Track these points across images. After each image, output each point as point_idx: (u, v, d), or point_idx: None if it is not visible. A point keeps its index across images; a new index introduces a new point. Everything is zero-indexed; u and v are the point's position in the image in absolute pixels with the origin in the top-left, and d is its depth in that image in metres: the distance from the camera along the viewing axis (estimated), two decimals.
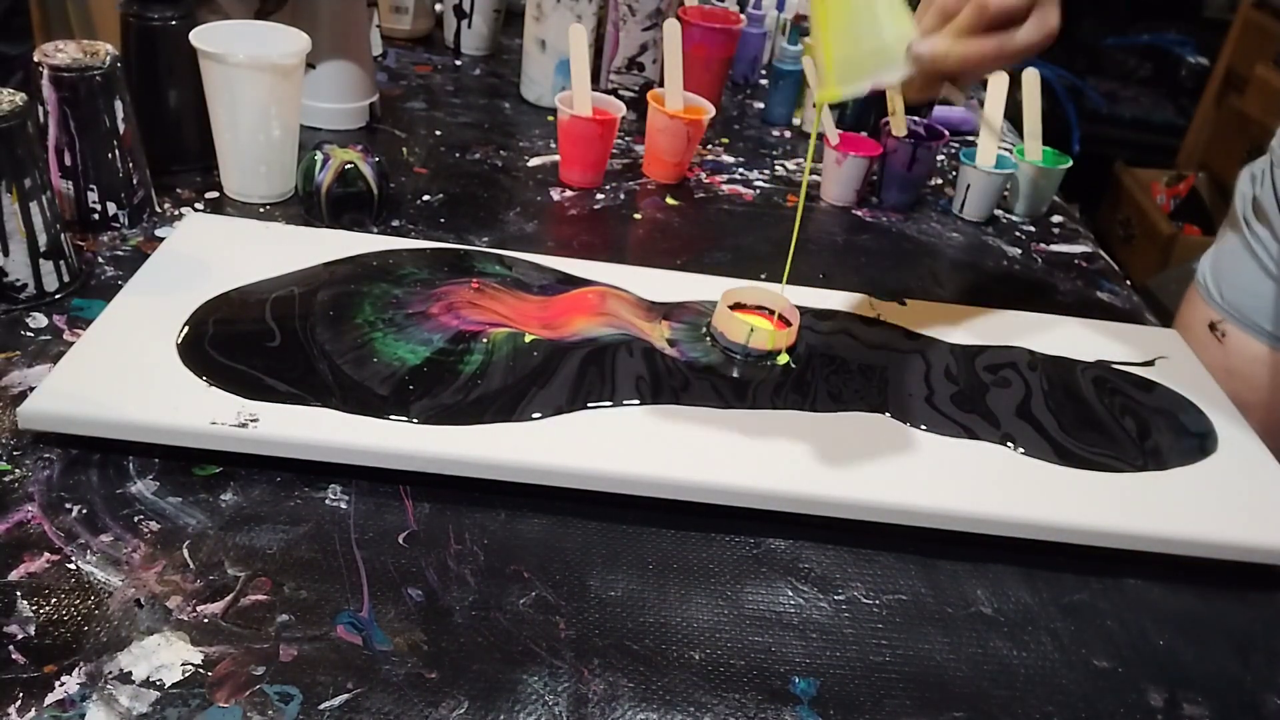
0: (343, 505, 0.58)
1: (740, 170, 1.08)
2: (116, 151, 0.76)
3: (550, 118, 1.12)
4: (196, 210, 0.84)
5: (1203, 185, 2.48)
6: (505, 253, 0.80)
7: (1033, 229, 1.06)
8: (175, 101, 0.86)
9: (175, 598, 0.50)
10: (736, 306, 0.75)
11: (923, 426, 0.68)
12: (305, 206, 0.85)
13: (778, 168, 1.10)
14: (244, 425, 0.58)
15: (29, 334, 0.67)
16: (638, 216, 0.96)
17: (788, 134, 1.20)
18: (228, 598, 0.51)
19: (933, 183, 1.12)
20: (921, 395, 0.71)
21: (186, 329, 0.65)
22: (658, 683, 0.51)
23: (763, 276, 0.83)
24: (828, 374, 0.71)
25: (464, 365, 0.66)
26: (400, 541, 0.56)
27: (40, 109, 0.72)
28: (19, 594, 0.49)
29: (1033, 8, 0.59)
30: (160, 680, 0.46)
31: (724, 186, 1.04)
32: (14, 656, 0.46)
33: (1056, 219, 1.09)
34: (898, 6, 0.61)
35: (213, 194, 0.87)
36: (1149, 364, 0.80)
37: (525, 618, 0.53)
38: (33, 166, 0.66)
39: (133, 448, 0.58)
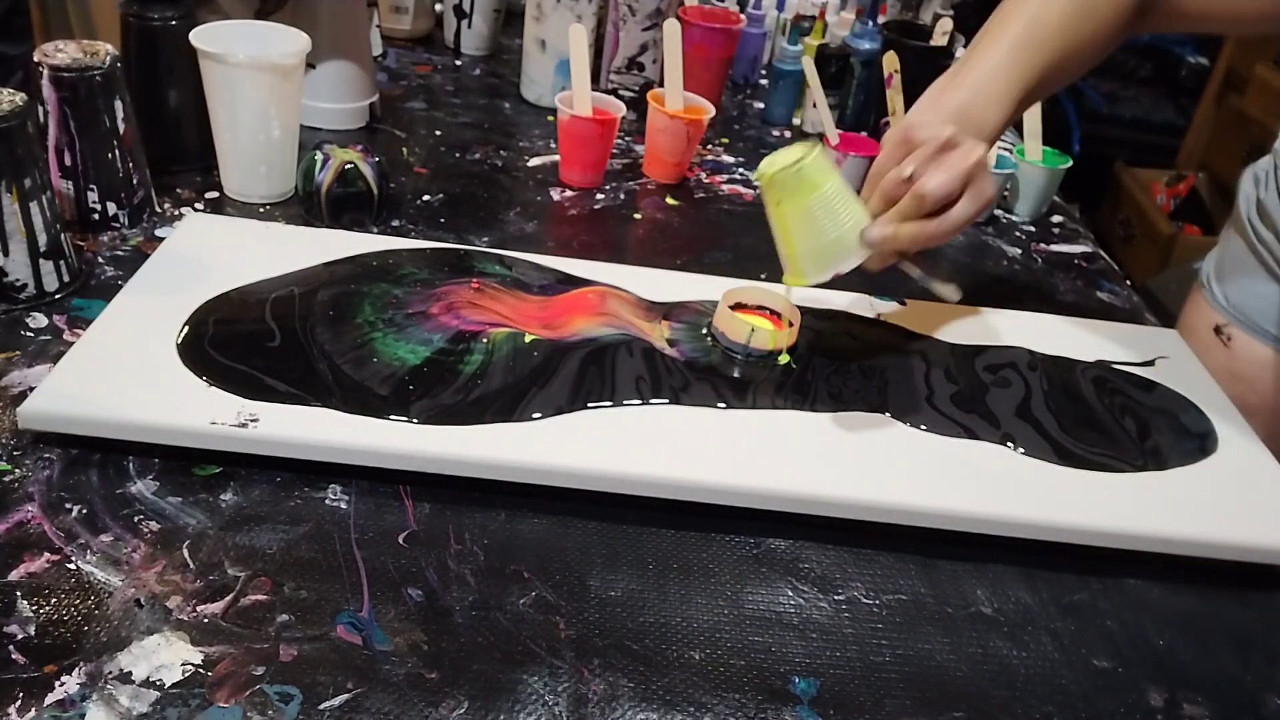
0: (343, 505, 0.58)
1: (740, 170, 1.08)
2: (116, 151, 0.76)
3: (550, 118, 1.12)
4: (196, 210, 0.84)
5: (1203, 185, 2.48)
6: (505, 253, 0.80)
7: (1033, 229, 1.06)
8: (175, 101, 0.86)
9: (175, 598, 0.50)
10: (737, 307, 0.75)
11: (923, 426, 0.68)
12: (305, 206, 0.85)
13: None
14: (244, 425, 0.58)
15: (29, 334, 0.67)
16: (638, 216, 0.96)
17: (788, 134, 1.20)
18: (228, 598, 0.51)
19: None
20: (921, 395, 0.71)
21: (186, 329, 0.65)
22: (658, 683, 0.51)
23: (763, 276, 0.83)
24: (828, 374, 0.71)
25: (464, 365, 0.66)
26: (400, 541, 0.56)
27: (40, 109, 0.72)
28: (19, 594, 0.49)
29: (968, 184, 0.64)
30: (160, 680, 0.46)
31: (724, 186, 1.04)
32: (14, 656, 0.47)
33: (1056, 219, 1.09)
34: (850, 196, 0.67)
35: (213, 194, 0.87)
36: (1149, 364, 0.80)
37: (525, 618, 0.53)
38: (33, 166, 0.66)
39: (133, 448, 0.58)
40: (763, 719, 0.50)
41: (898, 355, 0.75)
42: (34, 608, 0.49)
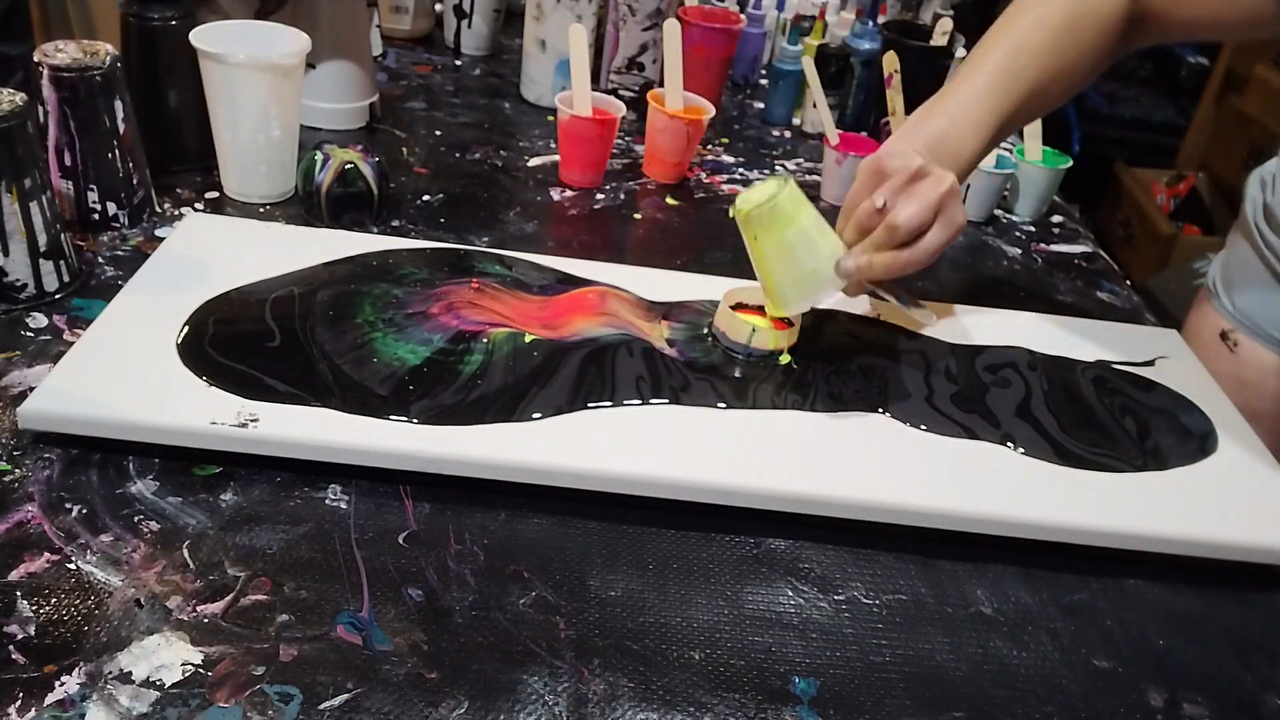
0: (343, 505, 0.58)
1: (740, 170, 1.08)
2: (116, 151, 0.76)
3: (550, 118, 1.12)
4: (196, 210, 0.84)
5: (1203, 185, 2.48)
6: (505, 253, 0.80)
7: (1033, 229, 1.06)
8: (175, 101, 0.86)
9: (175, 598, 0.50)
10: (738, 307, 0.75)
11: (923, 426, 0.68)
12: (305, 206, 0.85)
13: (778, 168, 1.11)
14: (244, 425, 0.58)
15: (29, 334, 0.67)
16: (638, 216, 0.96)
17: (788, 134, 1.20)
18: (228, 598, 0.51)
19: None
20: (921, 395, 0.71)
21: (186, 329, 0.65)
22: (658, 683, 0.51)
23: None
24: (828, 374, 0.71)
25: (464, 365, 0.66)
26: (400, 541, 0.56)
27: (40, 109, 0.72)
28: (19, 594, 0.49)
29: (938, 212, 0.65)
30: (160, 680, 0.46)
31: (724, 186, 1.04)
32: (14, 656, 0.47)
33: (1056, 219, 1.09)
34: (824, 228, 0.69)
35: (213, 194, 0.87)
36: (1149, 364, 0.80)
37: (525, 618, 0.53)
38: (33, 166, 0.66)
39: (133, 448, 0.58)
40: (763, 719, 0.50)
41: (898, 355, 0.75)
42: (34, 608, 0.49)
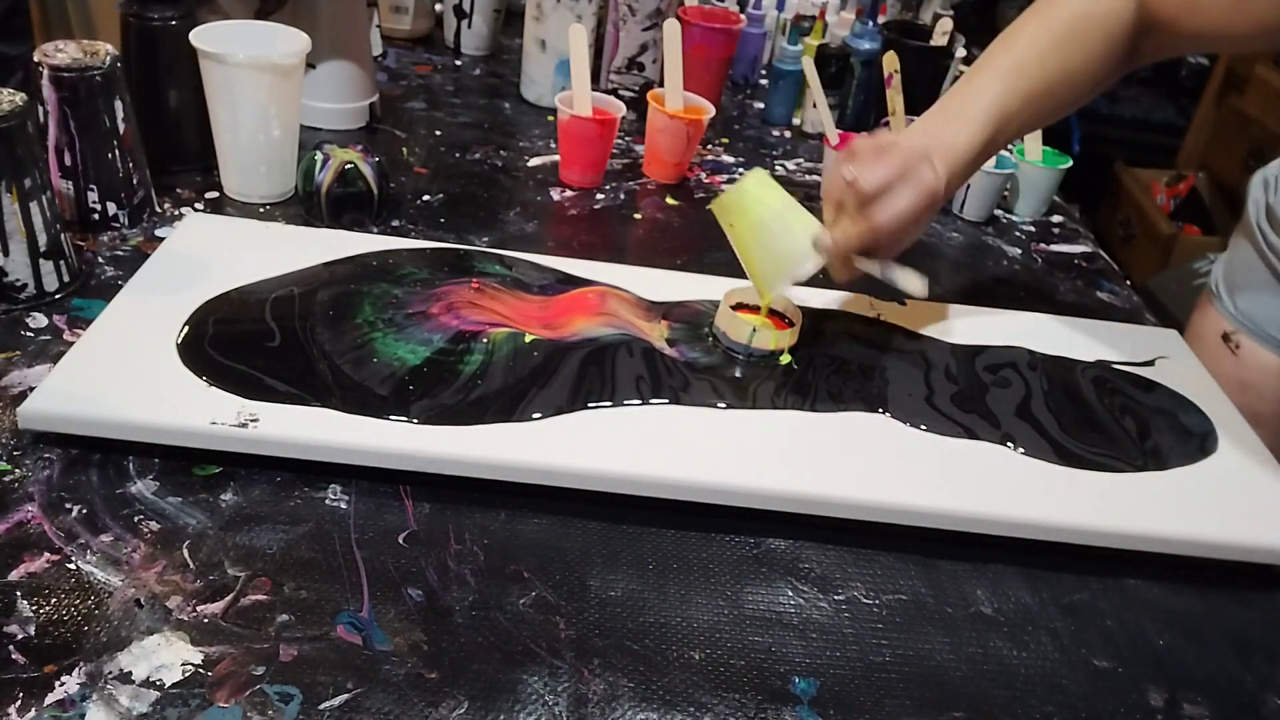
0: (343, 505, 0.58)
1: (740, 170, 1.08)
2: (116, 151, 0.76)
3: (550, 118, 1.12)
4: (196, 210, 0.84)
5: (1203, 185, 2.48)
6: (505, 253, 0.80)
7: (1033, 229, 1.06)
8: (175, 101, 0.86)
9: (175, 598, 0.50)
10: (739, 307, 0.75)
11: (923, 426, 0.68)
12: (305, 206, 0.85)
13: (778, 168, 1.11)
14: (244, 425, 0.58)
15: (29, 334, 0.67)
16: (638, 216, 0.96)
17: (787, 134, 1.20)
18: (228, 598, 0.51)
19: None
20: (921, 395, 0.71)
21: (186, 329, 0.65)
22: (658, 683, 0.51)
23: None
24: (828, 374, 0.71)
25: (464, 365, 0.66)
26: (400, 541, 0.56)
27: (40, 109, 0.72)
28: (19, 594, 0.49)
29: (904, 174, 0.67)
30: (160, 680, 0.46)
31: (724, 186, 1.04)
32: (14, 656, 0.47)
33: (1056, 219, 1.09)
34: (798, 208, 0.70)
35: (213, 194, 0.87)
36: (1149, 364, 0.80)
37: (525, 618, 0.53)
38: (33, 166, 0.66)
39: (133, 448, 0.58)
40: (763, 719, 0.50)
41: (898, 355, 0.75)
42: (34, 608, 0.49)
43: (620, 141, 1.08)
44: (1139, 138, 2.80)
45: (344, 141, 0.87)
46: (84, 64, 0.72)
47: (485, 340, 0.68)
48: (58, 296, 0.70)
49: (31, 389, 0.59)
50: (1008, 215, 1.08)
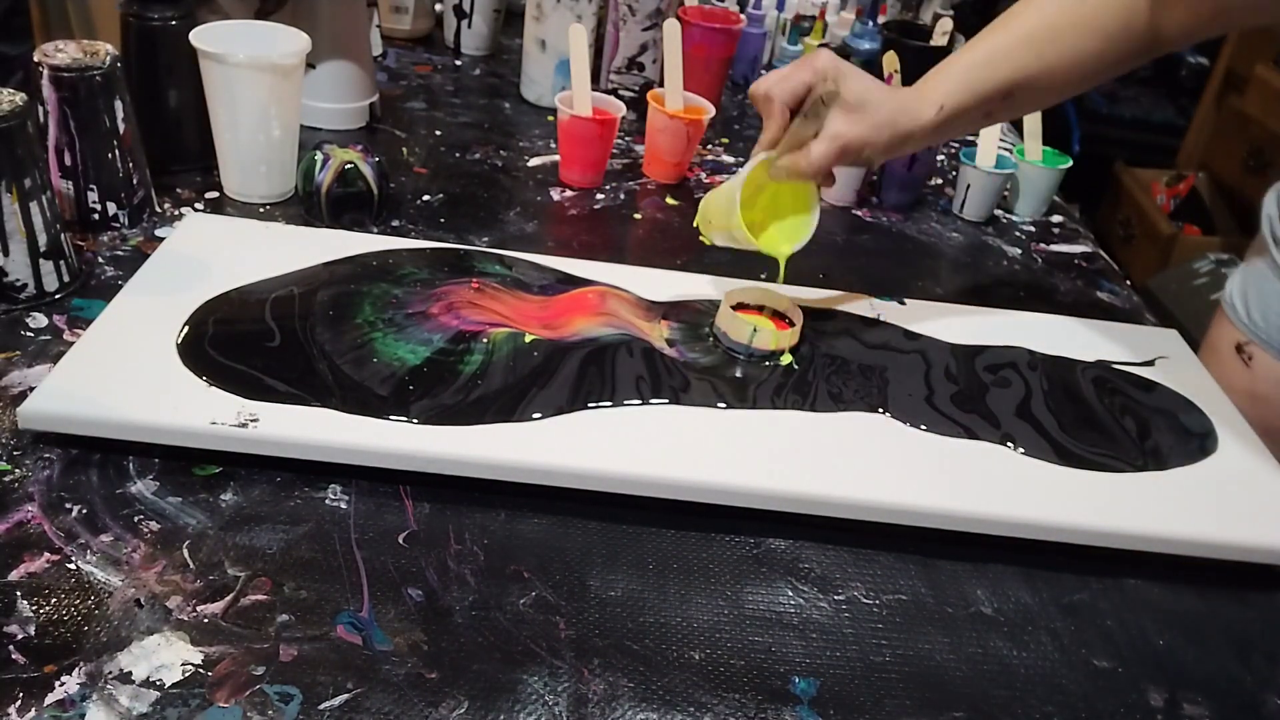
0: (343, 505, 0.58)
1: (740, 170, 1.08)
2: (116, 151, 0.76)
3: (550, 118, 1.12)
4: (196, 210, 0.84)
5: (1203, 185, 2.47)
6: (505, 253, 0.80)
7: (1033, 229, 1.06)
8: (175, 101, 0.86)
9: (175, 598, 0.50)
10: (739, 307, 0.75)
11: (923, 426, 0.68)
12: (305, 206, 0.85)
13: None
14: (244, 425, 0.58)
15: (29, 334, 0.67)
16: (638, 216, 0.96)
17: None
18: (228, 598, 0.51)
19: (933, 183, 1.12)
20: (921, 395, 0.71)
21: (186, 329, 0.65)
22: (658, 683, 0.51)
23: (762, 276, 0.83)
24: (828, 374, 0.71)
25: (464, 365, 0.66)
26: (400, 541, 0.56)
27: (40, 109, 0.72)
28: (19, 594, 0.49)
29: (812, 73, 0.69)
30: (160, 680, 0.46)
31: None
32: (14, 656, 0.47)
33: (1056, 219, 1.09)
34: (736, 186, 0.72)
35: (213, 194, 0.87)
36: (1149, 364, 0.80)
37: (525, 618, 0.53)
38: (33, 166, 0.66)
39: (133, 448, 0.58)
40: (763, 719, 0.50)
41: (898, 355, 0.75)
42: (34, 608, 0.49)
43: (620, 141, 1.08)
44: (1139, 138, 2.80)
45: (344, 141, 0.87)
46: (84, 64, 0.72)
47: (485, 340, 0.68)
48: (58, 296, 0.70)
49: (31, 389, 0.59)
50: (1008, 215, 1.08)
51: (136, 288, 0.69)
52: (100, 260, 0.75)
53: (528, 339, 0.69)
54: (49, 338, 0.66)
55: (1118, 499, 0.64)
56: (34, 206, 0.66)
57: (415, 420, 0.60)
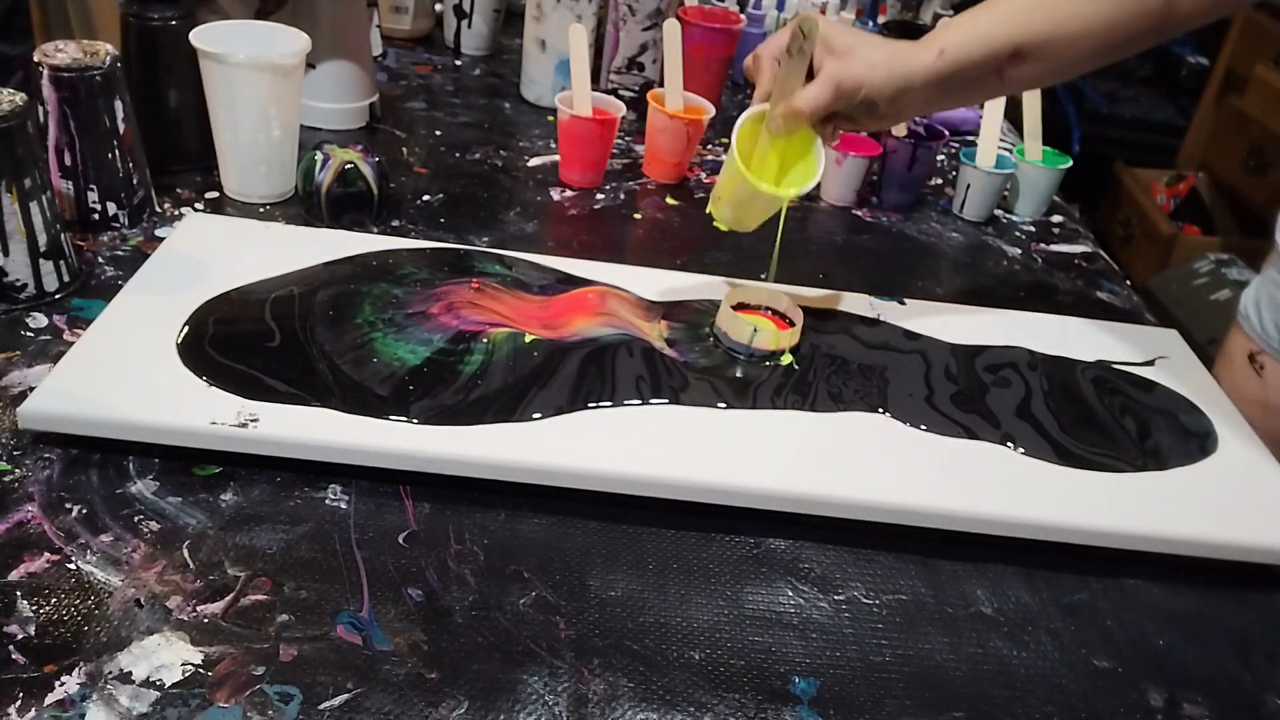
0: (343, 505, 0.58)
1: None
2: (116, 151, 0.76)
3: (550, 118, 1.12)
4: (196, 210, 0.84)
5: (1203, 185, 2.47)
6: (505, 253, 0.80)
7: (1033, 229, 1.06)
8: (175, 101, 0.86)
9: (175, 598, 0.50)
10: (740, 307, 0.75)
11: (923, 426, 0.68)
12: (305, 206, 0.85)
13: None
14: (244, 425, 0.58)
15: (29, 334, 0.67)
16: (638, 216, 0.96)
17: None
18: (228, 598, 0.51)
19: (933, 183, 1.12)
20: (921, 395, 0.71)
21: (186, 329, 0.65)
22: (658, 683, 0.51)
23: (762, 276, 0.83)
24: (828, 374, 0.71)
25: (464, 365, 0.66)
26: (400, 541, 0.56)
27: (40, 109, 0.72)
28: (19, 594, 0.49)
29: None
30: (160, 680, 0.46)
31: None
32: (14, 656, 0.47)
33: (1056, 219, 1.09)
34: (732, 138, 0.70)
35: (213, 194, 0.87)
36: (1149, 364, 0.80)
37: (525, 618, 0.53)
38: (33, 166, 0.66)
39: (133, 448, 0.58)
40: (763, 719, 0.50)
41: (898, 355, 0.75)
42: (34, 608, 0.49)
43: (620, 141, 1.08)
44: (1139, 138, 2.80)
45: (344, 141, 0.87)
46: (84, 64, 0.72)
47: (485, 340, 0.68)
48: (58, 296, 0.70)
49: (31, 389, 0.59)
50: (1008, 215, 1.08)
51: (136, 288, 0.69)
52: (100, 260, 0.75)
53: (528, 339, 0.69)
54: (49, 338, 0.66)
55: (1118, 499, 0.64)
56: (34, 206, 0.66)
57: (415, 420, 0.60)
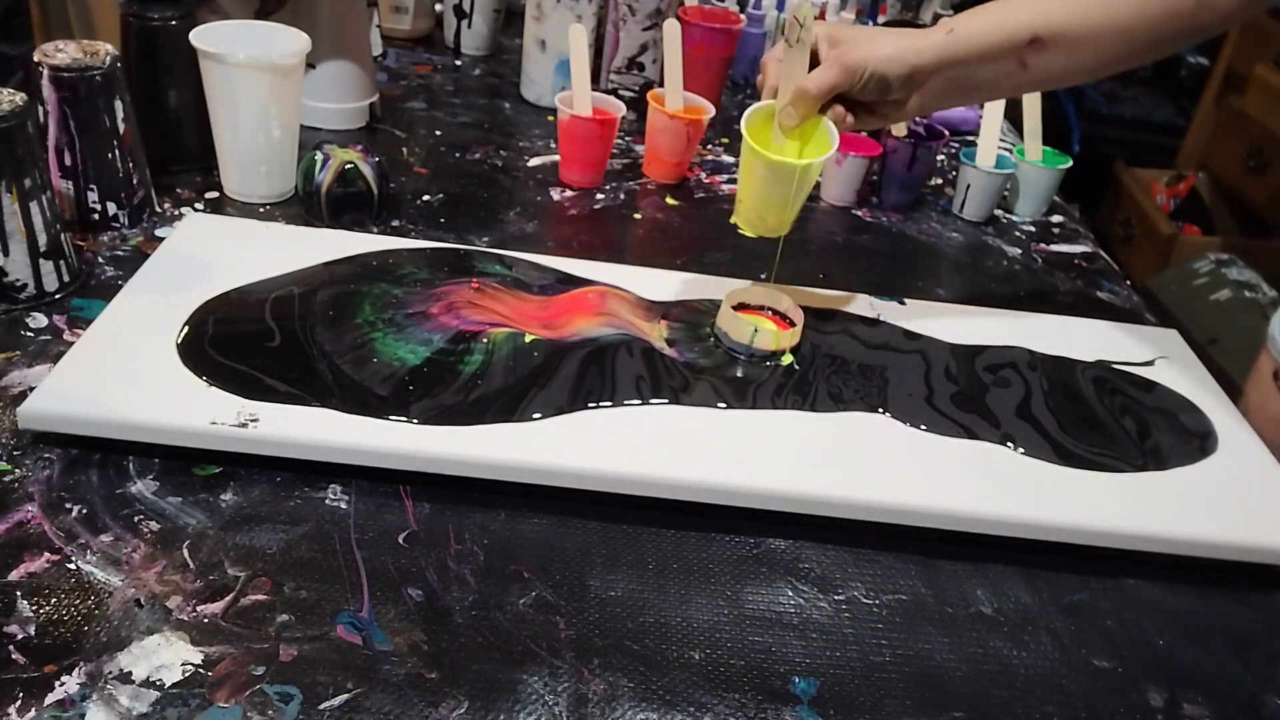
0: (343, 505, 0.58)
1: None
2: (116, 151, 0.76)
3: (550, 118, 1.12)
4: (196, 210, 0.84)
5: (1203, 185, 2.47)
6: (505, 253, 0.80)
7: (1033, 229, 1.06)
8: (175, 101, 0.86)
9: (175, 598, 0.50)
10: (740, 307, 0.75)
11: (923, 426, 0.68)
12: (305, 206, 0.85)
13: None
14: (244, 425, 0.58)
15: (29, 334, 0.67)
16: (638, 216, 0.96)
17: None
18: (228, 598, 0.51)
19: (933, 183, 1.12)
20: (921, 395, 0.71)
21: (186, 329, 0.65)
22: (658, 683, 0.51)
23: (762, 276, 0.83)
24: (828, 374, 0.71)
25: (464, 365, 0.66)
26: (400, 541, 0.56)
27: (40, 109, 0.72)
28: (19, 594, 0.49)
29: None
30: (160, 680, 0.46)
31: (724, 186, 1.04)
32: (14, 656, 0.47)
33: (1056, 219, 1.09)
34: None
35: (213, 194, 0.87)
36: (1149, 364, 0.80)
37: (525, 618, 0.53)
38: (33, 166, 0.66)
39: (133, 448, 0.58)
40: (763, 719, 0.50)
41: (898, 355, 0.75)
42: (34, 608, 0.49)
43: (620, 141, 1.08)
44: (1139, 138, 2.79)
45: (344, 141, 0.87)
46: (84, 64, 0.72)
47: (485, 340, 0.68)
48: (58, 296, 0.70)
49: (31, 389, 0.59)
50: (1008, 215, 1.08)
51: (136, 288, 0.69)
52: (100, 260, 0.75)
53: (528, 339, 0.69)
54: (49, 338, 0.66)
55: (1118, 499, 0.64)
56: (34, 206, 0.66)
57: (415, 420, 0.60)
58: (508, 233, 0.88)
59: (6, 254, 0.66)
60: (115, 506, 0.55)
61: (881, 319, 0.80)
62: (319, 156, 0.83)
